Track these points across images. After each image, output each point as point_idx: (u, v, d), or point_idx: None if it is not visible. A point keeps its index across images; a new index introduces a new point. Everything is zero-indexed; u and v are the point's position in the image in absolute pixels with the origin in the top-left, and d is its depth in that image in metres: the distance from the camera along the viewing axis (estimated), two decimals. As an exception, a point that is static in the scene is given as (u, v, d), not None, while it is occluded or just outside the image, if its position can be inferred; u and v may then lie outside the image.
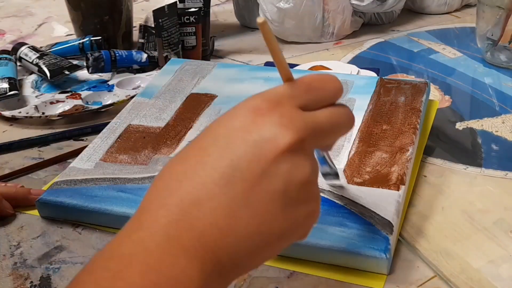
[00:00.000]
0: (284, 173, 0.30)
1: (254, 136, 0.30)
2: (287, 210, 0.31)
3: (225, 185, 0.30)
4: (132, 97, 0.69)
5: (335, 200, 0.47)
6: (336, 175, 0.46)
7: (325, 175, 0.45)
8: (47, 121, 0.69)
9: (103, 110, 0.70)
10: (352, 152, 0.53)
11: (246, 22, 0.98)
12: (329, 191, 0.48)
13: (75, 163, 0.55)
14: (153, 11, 0.77)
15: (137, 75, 0.79)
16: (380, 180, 0.49)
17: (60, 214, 0.51)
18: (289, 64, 0.86)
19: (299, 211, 0.32)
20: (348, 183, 0.49)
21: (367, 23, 0.95)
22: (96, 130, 0.65)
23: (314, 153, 0.33)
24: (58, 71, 0.77)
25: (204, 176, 0.30)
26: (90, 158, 0.55)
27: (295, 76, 0.34)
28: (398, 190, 0.48)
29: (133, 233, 0.30)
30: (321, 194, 0.48)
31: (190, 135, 0.57)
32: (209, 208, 0.29)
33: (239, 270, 0.31)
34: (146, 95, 0.65)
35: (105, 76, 0.80)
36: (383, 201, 0.47)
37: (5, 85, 0.72)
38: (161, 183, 0.32)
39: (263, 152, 0.30)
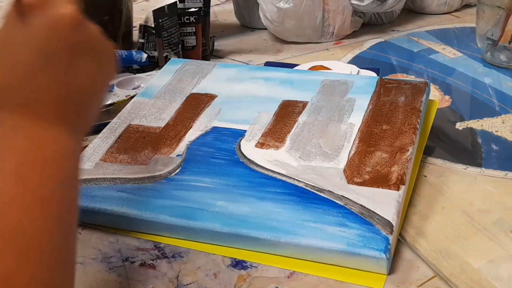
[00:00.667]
0: (84, 36, 0.38)
1: (45, 23, 0.36)
2: (99, 59, 0.39)
3: (49, 67, 0.35)
4: (132, 97, 0.69)
5: (335, 200, 0.47)
6: None
7: None
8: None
9: (103, 110, 0.70)
10: (352, 152, 0.53)
11: (246, 22, 0.98)
12: (329, 191, 0.48)
13: (75, 163, 0.55)
14: (153, 11, 0.77)
15: (137, 75, 0.79)
16: (380, 180, 0.49)
17: (60, 214, 0.51)
18: (289, 64, 0.86)
19: (106, 57, 0.40)
20: (348, 183, 0.49)
21: (367, 23, 0.95)
22: (96, 130, 0.65)
23: None
24: (58, 71, 0.76)
25: (27, 69, 0.35)
26: (90, 158, 0.55)
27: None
28: (398, 190, 0.48)
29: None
30: (321, 194, 0.48)
31: (190, 135, 0.57)
32: (46, 86, 0.35)
33: (89, 115, 0.39)
34: (146, 95, 0.65)
35: (105, 76, 0.79)
36: (383, 201, 0.47)
37: (5, 85, 0.72)
38: None
39: (62, 31, 0.36)
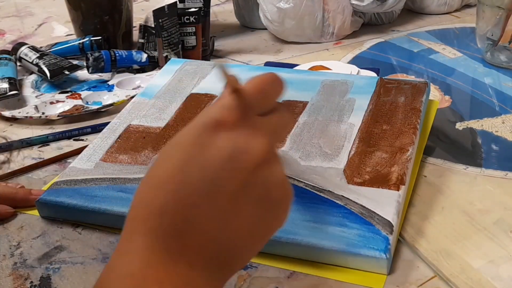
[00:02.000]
0: (264, 179, 0.31)
1: (228, 151, 0.30)
2: (272, 209, 0.33)
3: (210, 202, 0.30)
4: (132, 97, 0.69)
5: (335, 200, 0.47)
6: None
7: None
8: (47, 121, 0.69)
9: (103, 110, 0.70)
10: (352, 152, 0.53)
11: (246, 22, 0.98)
12: (329, 191, 0.48)
13: (75, 163, 0.55)
14: (153, 11, 0.77)
15: (137, 75, 0.79)
16: (380, 180, 0.49)
17: (60, 214, 0.51)
18: (289, 64, 0.86)
19: (280, 207, 0.33)
20: (348, 183, 0.49)
21: (367, 23, 0.95)
22: (96, 130, 0.65)
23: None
24: (58, 71, 0.77)
25: (186, 197, 0.30)
26: (90, 158, 0.55)
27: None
28: (398, 190, 0.48)
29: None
30: (321, 194, 0.48)
31: (190, 135, 0.57)
32: (198, 224, 0.30)
33: (236, 267, 0.33)
34: (146, 95, 0.65)
35: (105, 76, 0.80)
36: (383, 201, 0.47)
37: (5, 85, 0.72)
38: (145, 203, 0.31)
39: (241, 166, 0.31)
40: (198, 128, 0.31)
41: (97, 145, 0.57)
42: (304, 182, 0.50)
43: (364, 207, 0.46)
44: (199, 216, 0.30)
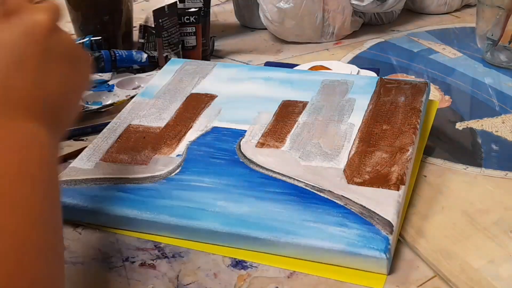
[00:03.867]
0: (58, 42, 0.40)
1: (20, 30, 0.38)
2: (74, 65, 0.41)
3: (23, 70, 0.37)
4: (132, 97, 0.69)
5: (335, 200, 0.47)
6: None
7: None
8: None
9: (103, 110, 0.70)
10: (352, 152, 0.53)
11: (246, 22, 0.98)
12: (329, 191, 0.48)
13: (75, 163, 0.55)
14: (153, 11, 0.77)
15: (137, 75, 0.79)
16: (380, 180, 0.49)
17: (60, 214, 0.51)
18: (289, 64, 0.86)
19: (81, 64, 0.42)
20: (348, 183, 0.49)
21: (367, 23, 0.95)
22: (96, 130, 0.65)
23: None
24: (58, 71, 0.76)
25: (3, 72, 0.36)
26: (90, 158, 0.55)
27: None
28: (398, 190, 0.48)
29: None
30: (321, 194, 0.48)
31: (190, 135, 0.57)
32: (20, 86, 0.37)
33: (64, 122, 0.40)
34: (146, 95, 0.65)
35: (105, 76, 0.80)
36: (383, 201, 0.47)
37: (5, 85, 0.72)
38: None
39: (36, 36, 0.38)
40: None
41: (97, 145, 0.57)
42: (304, 182, 0.50)
43: (364, 207, 0.46)
44: (18, 84, 0.37)
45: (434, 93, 0.71)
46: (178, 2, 0.82)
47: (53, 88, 0.39)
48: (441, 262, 0.44)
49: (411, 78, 0.77)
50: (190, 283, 0.44)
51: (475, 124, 0.64)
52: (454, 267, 0.44)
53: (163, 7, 0.78)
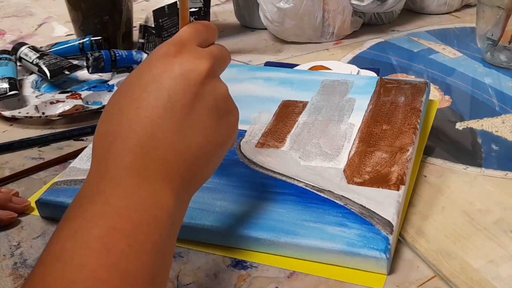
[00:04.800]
0: (211, 92, 0.38)
1: (177, 71, 0.37)
2: (221, 120, 0.39)
3: (169, 115, 0.36)
4: (132, 97, 0.69)
5: (335, 200, 0.47)
6: None
7: None
8: (47, 121, 0.69)
9: (103, 110, 0.70)
10: (352, 152, 0.53)
11: (246, 22, 0.98)
12: (329, 191, 0.48)
13: (75, 163, 0.55)
14: (153, 11, 0.77)
15: (137, 75, 0.79)
16: (380, 180, 0.49)
17: (60, 214, 0.50)
18: (289, 64, 0.86)
19: (229, 119, 0.40)
20: (348, 183, 0.49)
21: (367, 23, 0.95)
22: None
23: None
24: (58, 71, 0.77)
25: (149, 115, 0.35)
26: (90, 158, 0.55)
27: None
28: (398, 190, 0.48)
29: (102, 179, 0.34)
30: (321, 194, 0.48)
31: (190, 135, 0.57)
32: (162, 137, 0.35)
33: (198, 180, 0.38)
34: (146, 95, 0.64)
35: (105, 76, 0.80)
36: (383, 201, 0.47)
37: (5, 85, 0.72)
38: (109, 137, 0.36)
39: (191, 81, 0.37)
40: (149, 61, 0.38)
41: (97, 145, 0.57)
42: (304, 182, 0.50)
43: (364, 207, 0.46)
44: (161, 130, 0.35)
45: (434, 93, 0.71)
46: (178, 2, 0.82)
47: (196, 139, 0.37)
48: (441, 262, 0.44)
49: (411, 78, 0.77)
50: (190, 283, 0.44)
51: (475, 124, 0.64)
52: (454, 267, 0.44)
53: (163, 7, 0.78)
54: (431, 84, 0.66)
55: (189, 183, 0.37)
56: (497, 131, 0.63)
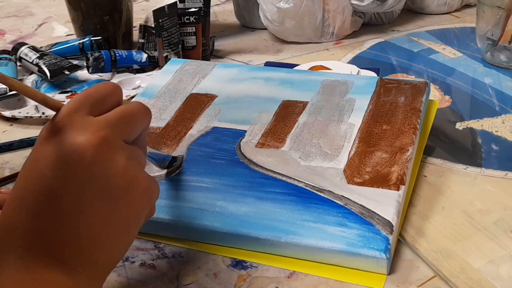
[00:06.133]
0: (102, 171, 0.33)
1: (53, 156, 0.33)
2: (120, 199, 0.34)
3: (51, 208, 0.32)
4: (132, 97, 0.69)
5: (335, 200, 0.47)
6: (161, 167, 0.51)
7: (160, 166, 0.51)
8: (47, 121, 0.69)
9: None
10: (352, 152, 0.53)
11: (246, 22, 0.98)
12: (329, 191, 0.48)
13: (75, 163, 0.55)
14: (153, 11, 0.77)
15: (137, 75, 0.79)
16: (380, 180, 0.49)
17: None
18: (289, 64, 0.86)
19: (133, 193, 0.35)
20: (348, 183, 0.49)
21: (367, 23, 0.95)
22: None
23: (124, 144, 0.35)
24: (58, 71, 0.77)
25: (30, 206, 0.33)
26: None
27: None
28: (398, 190, 0.48)
29: None
30: (321, 194, 0.48)
31: (190, 135, 0.57)
32: (51, 232, 0.32)
33: (104, 265, 0.35)
34: (146, 95, 0.65)
35: (105, 76, 0.80)
36: (383, 201, 0.47)
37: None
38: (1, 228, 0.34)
39: (72, 164, 0.32)
40: (35, 145, 0.35)
41: (97, 145, 0.57)
42: (304, 182, 0.50)
43: (364, 207, 0.46)
44: (47, 226, 0.32)
45: (434, 93, 0.71)
46: (178, 2, 0.82)
47: (90, 232, 0.33)
48: (441, 262, 0.44)
49: (411, 78, 0.77)
50: (190, 283, 0.44)
51: (475, 124, 0.64)
52: (454, 267, 0.44)
53: (163, 7, 0.78)
54: (431, 84, 0.66)
55: (89, 266, 0.34)
56: (497, 131, 0.63)
